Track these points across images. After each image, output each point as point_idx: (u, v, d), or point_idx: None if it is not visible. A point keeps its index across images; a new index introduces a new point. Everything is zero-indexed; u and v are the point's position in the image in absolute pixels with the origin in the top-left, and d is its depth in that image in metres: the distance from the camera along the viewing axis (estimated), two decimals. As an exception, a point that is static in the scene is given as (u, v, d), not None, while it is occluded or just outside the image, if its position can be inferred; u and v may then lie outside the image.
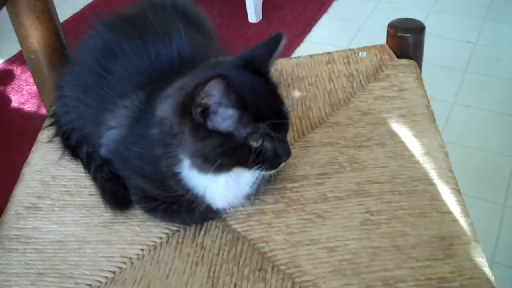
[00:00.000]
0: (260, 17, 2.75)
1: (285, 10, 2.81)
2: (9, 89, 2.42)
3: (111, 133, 0.93)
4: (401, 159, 0.97)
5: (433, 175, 0.94)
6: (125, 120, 0.91)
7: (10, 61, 2.56)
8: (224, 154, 0.79)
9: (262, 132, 0.79)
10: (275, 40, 0.82)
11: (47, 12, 1.11)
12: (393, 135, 1.02)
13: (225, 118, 0.77)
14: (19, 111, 2.31)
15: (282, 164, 0.84)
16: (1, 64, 2.56)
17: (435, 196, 0.90)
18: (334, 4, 2.86)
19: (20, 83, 2.44)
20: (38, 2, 1.09)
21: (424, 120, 1.04)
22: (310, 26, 2.69)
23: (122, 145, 0.92)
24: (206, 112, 0.77)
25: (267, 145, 0.81)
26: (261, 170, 0.83)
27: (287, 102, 0.82)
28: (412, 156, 0.97)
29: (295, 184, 0.95)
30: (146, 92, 0.90)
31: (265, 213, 0.92)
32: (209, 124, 0.77)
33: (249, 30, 2.68)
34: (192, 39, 0.96)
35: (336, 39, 2.59)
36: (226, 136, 0.78)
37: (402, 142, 1.00)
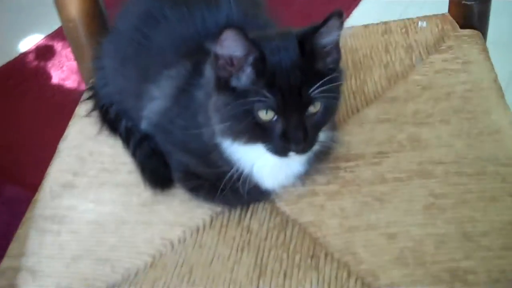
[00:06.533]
0: (306, -9, 2.64)
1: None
2: (49, 64, 2.39)
3: (155, 104, 0.87)
4: (467, 137, 0.88)
5: (504, 155, 0.85)
6: (170, 90, 0.85)
7: (51, 36, 2.53)
8: (234, 117, 0.73)
9: (269, 104, 0.71)
10: (327, 18, 0.72)
11: (88, -21, 1.04)
12: (458, 111, 0.93)
13: (243, 76, 0.72)
14: (59, 87, 2.28)
15: (293, 155, 0.75)
16: (42, 39, 2.53)
17: (507, 179, 0.81)
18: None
19: (61, 59, 2.41)
20: (76, -34, 1.03)
21: (492, 95, 0.95)
22: (350, 8, 2.58)
23: (165, 117, 0.86)
24: (230, 67, 0.72)
25: (277, 124, 0.72)
26: (268, 151, 0.75)
27: (318, 88, 0.71)
28: (479, 134, 0.88)
29: (350, 164, 0.88)
30: (193, 61, 0.84)
31: (317, 194, 0.84)
32: (232, 81, 0.73)
33: (294, 3, 2.58)
34: (240, 5, 0.89)
35: (387, 13, 2.46)
36: (239, 96, 0.72)
37: (468, 119, 0.91)
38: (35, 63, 2.41)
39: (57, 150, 0.99)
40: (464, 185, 0.81)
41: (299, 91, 0.71)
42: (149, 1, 0.93)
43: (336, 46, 0.76)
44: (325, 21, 0.72)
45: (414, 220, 0.78)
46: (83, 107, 1.05)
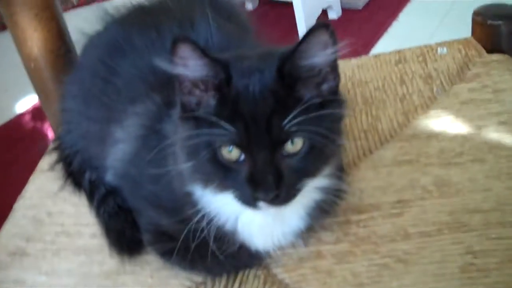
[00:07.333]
0: (313, 40, 2.55)
1: (339, 32, 2.59)
2: (46, 125, 2.33)
3: (118, 149, 0.74)
4: (508, 179, 0.73)
5: (558, 199, 0.68)
6: (136, 130, 0.72)
7: (49, 95, 2.47)
8: (195, 154, 0.59)
9: (230, 139, 0.56)
10: (308, 31, 0.56)
11: (49, 9, 0.91)
12: (493, 148, 0.78)
13: (204, 103, 0.59)
14: (55, 148, 2.19)
15: (264, 206, 0.58)
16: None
17: None
18: (394, 24, 2.62)
19: (58, 118, 2.34)
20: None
21: (533, 127, 0.79)
22: (368, 47, 2.47)
23: (132, 165, 0.72)
24: (194, 90, 0.59)
25: (244, 164, 0.57)
26: (235, 199, 0.59)
27: (295, 119, 0.56)
28: (523, 174, 0.72)
29: (363, 216, 0.73)
30: (164, 94, 0.70)
31: (323, 256, 0.69)
32: (196, 108, 0.59)
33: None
34: (222, 28, 0.76)
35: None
36: (199, 127, 0.58)
37: (506, 157, 0.76)
38: (31, 123, 2.38)
39: (11, 211, 0.83)
40: (510, 239, 0.65)
41: (269, 123, 0.56)
42: (114, 30, 0.81)
43: (333, 69, 0.60)
44: (305, 36, 0.56)
45: (450, 287, 0.61)
46: (47, 160, 0.89)
